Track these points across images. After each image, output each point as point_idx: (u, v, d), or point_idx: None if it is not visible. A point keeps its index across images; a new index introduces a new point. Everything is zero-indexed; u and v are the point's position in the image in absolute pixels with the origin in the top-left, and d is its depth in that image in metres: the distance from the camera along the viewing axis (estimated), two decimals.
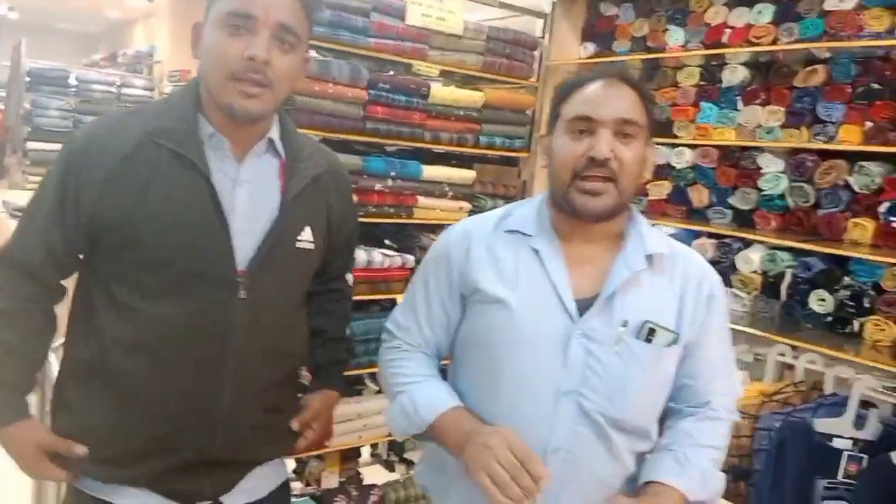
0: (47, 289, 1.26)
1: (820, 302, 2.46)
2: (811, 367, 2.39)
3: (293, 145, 1.30)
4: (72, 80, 6.29)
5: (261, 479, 1.36)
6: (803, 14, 2.49)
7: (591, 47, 3.22)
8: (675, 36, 2.88)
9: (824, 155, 2.52)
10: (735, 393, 1.33)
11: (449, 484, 1.29)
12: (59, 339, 1.33)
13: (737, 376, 1.35)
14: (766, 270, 2.64)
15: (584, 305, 1.18)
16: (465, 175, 2.49)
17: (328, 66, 2.13)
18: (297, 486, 2.48)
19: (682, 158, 2.93)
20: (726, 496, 2.15)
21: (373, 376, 2.45)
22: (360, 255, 2.25)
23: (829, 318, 2.44)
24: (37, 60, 6.24)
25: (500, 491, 1.05)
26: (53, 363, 1.48)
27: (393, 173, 2.30)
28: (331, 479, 2.49)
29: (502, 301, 1.20)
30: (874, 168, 2.38)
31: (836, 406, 2.25)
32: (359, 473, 2.64)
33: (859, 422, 2.16)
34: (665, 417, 1.30)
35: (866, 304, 2.35)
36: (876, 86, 2.37)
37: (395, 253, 2.34)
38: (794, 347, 2.45)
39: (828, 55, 2.50)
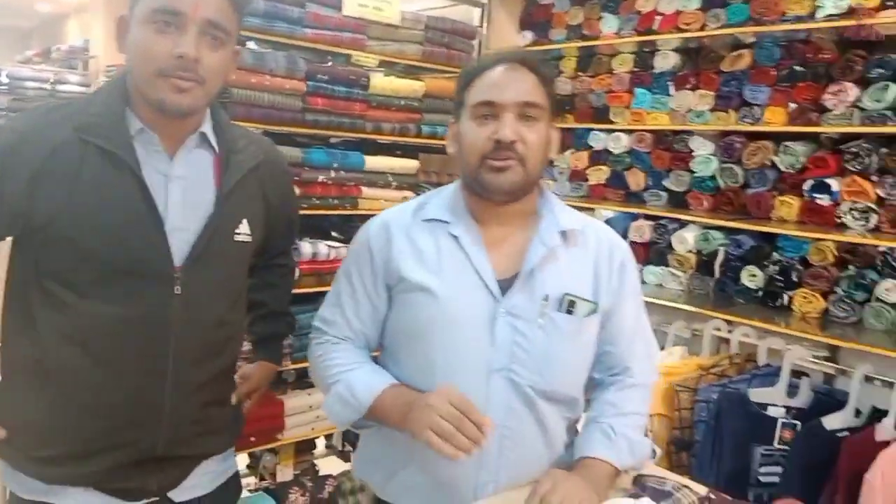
0: None
1: (751, 277, 2.56)
2: (745, 340, 2.49)
3: (227, 138, 1.29)
4: (3, 78, 6.07)
5: (208, 474, 1.37)
6: (729, 0, 2.57)
7: (528, 36, 3.27)
8: (608, 23, 2.94)
9: (751, 136, 2.60)
10: (652, 356, 1.41)
11: (391, 474, 1.31)
12: None
13: (653, 339, 1.42)
14: (701, 249, 2.73)
15: (505, 285, 1.23)
16: (409, 165, 2.51)
17: (264, 58, 2.12)
18: (251, 480, 2.48)
19: (619, 144, 2.99)
20: (670, 467, 2.23)
21: None
22: (306, 247, 2.26)
23: (760, 293, 2.53)
24: None
25: (446, 443, 1.08)
26: None
27: (335, 164, 2.31)
28: (285, 473, 2.49)
29: (427, 289, 1.23)
30: (798, 148, 2.48)
31: (770, 376, 2.35)
32: (314, 465, 2.65)
33: (791, 390, 2.27)
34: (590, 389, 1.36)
35: (794, 278, 2.45)
36: (798, 68, 2.46)
37: (342, 244, 2.35)
38: (728, 322, 2.54)
39: (753, 40, 2.58)
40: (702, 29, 2.63)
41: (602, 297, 1.29)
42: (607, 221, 2.93)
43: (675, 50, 2.85)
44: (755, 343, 2.45)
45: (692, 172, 2.78)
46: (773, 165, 2.55)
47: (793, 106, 2.46)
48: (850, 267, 2.33)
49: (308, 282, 2.23)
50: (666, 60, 2.85)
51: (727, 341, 2.55)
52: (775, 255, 2.50)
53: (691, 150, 2.77)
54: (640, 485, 1.20)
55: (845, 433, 2.12)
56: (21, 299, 1.22)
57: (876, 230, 2.28)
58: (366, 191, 2.39)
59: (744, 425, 2.27)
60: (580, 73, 3.16)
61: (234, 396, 1.44)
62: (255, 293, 1.47)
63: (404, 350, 1.28)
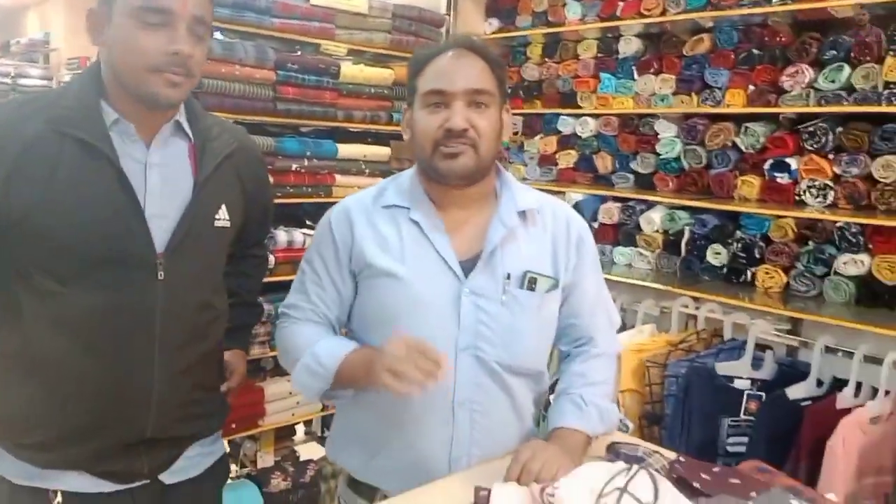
0: None
1: (716, 255, 2.63)
2: (711, 316, 2.56)
3: (201, 126, 1.32)
4: None
5: (197, 457, 1.40)
6: None
7: (494, 23, 3.30)
8: (573, 10, 2.98)
9: (713, 118, 2.67)
10: (614, 325, 1.47)
11: (364, 456, 1.33)
12: None
13: (614, 309, 1.47)
14: (667, 229, 2.79)
15: (468, 265, 1.27)
16: (381, 152, 2.54)
17: (233, 48, 2.13)
18: (232, 468, 2.50)
19: (587, 128, 3.04)
20: (641, 440, 2.30)
21: None
22: (281, 235, 2.28)
23: (725, 270, 2.60)
24: None
25: (401, 381, 1.10)
26: None
27: (308, 153, 2.33)
28: (266, 459, 2.52)
29: (393, 274, 1.26)
30: (758, 128, 2.55)
31: (735, 350, 2.42)
32: (294, 451, 2.68)
33: (756, 363, 2.34)
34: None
35: (756, 255, 2.52)
36: (756, 51, 2.52)
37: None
38: (695, 299, 2.60)
39: (712, 24, 2.64)
40: (663, 14, 2.68)
41: (561, 272, 1.33)
42: (576, 204, 2.98)
43: (638, 35, 2.90)
44: (721, 318, 2.53)
45: (657, 154, 2.84)
46: (735, 146, 2.62)
47: (752, 88, 2.52)
48: (810, 242, 2.41)
49: (283, 270, 2.25)
50: (629, 46, 2.90)
51: (694, 318, 2.62)
52: (738, 233, 2.57)
53: (656, 133, 2.83)
54: (613, 451, 1.25)
55: (808, 402, 2.20)
56: (5, 289, 1.22)
57: (833, 206, 2.36)
58: (339, 178, 2.41)
59: (711, 398, 2.34)
60: (547, 59, 3.20)
61: (224, 386, 1.48)
62: (229, 282, 1.50)
63: (372, 333, 1.30)
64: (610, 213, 2.97)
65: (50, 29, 6.57)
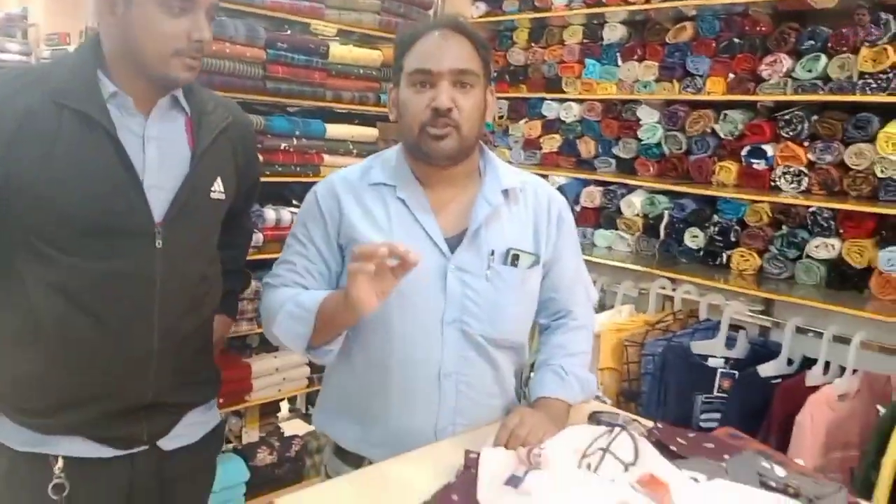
0: None
1: (693, 238, 2.70)
2: (687, 297, 2.64)
3: (197, 100, 1.35)
4: None
5: (194, 425, 1.43)
6: None
7: (482, 7, 3.33)
8: None
9: (693, 105, 2.74)
10: (591, 299, 1.52)
11: (351, 426, 1.36)
12: None
13: (590, 283, 1.53)
14: (647, 213, 2.87)
15: (453, 242, 1.31)
16: (369, 133, 2.57)
17: (224, 26, 2.14)
18: None
19: (571, 113, 3.10)
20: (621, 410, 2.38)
21: None
22: (270, 213, 2.31)
23: (702, 253, 2.68)
24: None
25: (364, 265, 1.09)
26: None
27: (297, 132, 2.35)
28: (251, 435, 2.55)
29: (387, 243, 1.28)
30: (737, 116, 2.62)
31: (710, 330, 2.51)
32: (279, 427, 2.72)
33: (730, 342, 2.43)
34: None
35: (732, 238, 2.60)
36: (737, 40, 2.59)
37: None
38: (672, 280, 2.69)
39: (694, 13, 2.70)
40: (647, 2, 2.73)
41: (542, 248, 1.37)
42: (560, 188, 3.04)
43: (623, 22, 2.95)
44: (697, 299, 2.61)
45: (639, 140, 2.90)
46: (714, 133, 2.68)
47: (731, 76, 2.59)
48: (783, 227, 2.49)
49: (272, 248, 2.28)
50: (614, 32, 2.95)
51: (671, 298, 2.70)
52: (715, 217, 2.65)
53: (638, 119, 2.89)
54: (595, 419, 1.31)
55: (778, 380, 2.30)
56: (6, 255, 1.25)
57: (807, 192, 2.44)
58: (327, 158, 2.43)
59: (686, 376, 2.42)
60: (533, 44, 3.24)
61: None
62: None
63: None
64: (592, 196, 3.03)
65: (28, 4, 6.46)
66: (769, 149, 2.52)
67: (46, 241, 1.21)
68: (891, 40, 2.24)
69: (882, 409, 2.09)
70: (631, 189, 2.95)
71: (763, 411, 2.25)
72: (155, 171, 1.26)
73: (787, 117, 2.47)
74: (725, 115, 2.64)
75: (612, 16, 2.92)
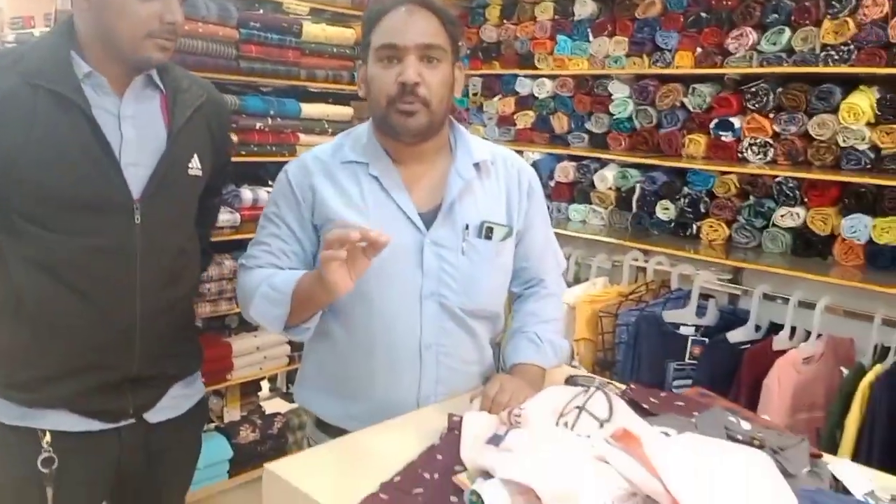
0: None
1: (664, 210, 2.76)
2: (659, 268, 2.71)
3: (170, 78, 1.37)
4: None
5: (178, 398, 1.46)
6: None
7: None
8: None
9: (663, 80, 2.78)
10: (560, 266, 1.56)
11: (332, 401, 1.38)
12: None
13: (559, 251, 1.56)
14: (619, 186, 2.92)
15: (428, 217, 1.32)
16: (343, 112, 2.58)
17: (196, 5, 2.13)
18: None
19: (544, 89, 3.13)
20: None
21: None
22: (247, 193, 2.32)
23: (673, 224, 2.74)
24: None
25: (337, 252, 1.10)
26: None
27: (272, 112, 2.35)
28: (232, 414, 2.57)
29: (358, 225, 1.26)
30: (705, 89, 2.67)
31: (681, 299, 2.59)
32: (260, 406, 2.74)
33: (700, 311, 2.50)
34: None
35: (702, 210, 2.67)
36: (704, 14, 2.63)
37: None
38: (644, 252, 2.75)
39: None
40: None
41: (514, 219, 1.40)
42: (534, 163, 3.08)
43: None
44: (668, 270, 2.68)
45: (611, 115, 2.94)
46: (683, 106, 2.74)
47: (699, 50, 2.64)
48: (751, 197, 2.56)
49: (249, 227, 2.28)
50: (584, 8, 2.97)
51: (644, 270, 2.77)
52: (685, 189, 2.71)
53: (610, 94, 2.93)
54: (571, 382, 1.36)
55: (747, 346, 2.38)
56: None
57: (773, 162, 2.51)
58: (303, 137, 2.44)
59: (659, 344, 2.49)
60: (505, 21, 3.25)
61: None
62: None
63: None
64: (566, 171, 3.07)
65: None
66: (736, 121, 2.58)
67: (28, 218, 1.23)
68: (851, 13, 2.30)
69: (846, 371, 2.18)
70: (604, 163, 2.99)
71: (732, 376, 2.33)
72: (132, 149, 1.28)
73: (752, 90, 2.53)
74: (694, 88, 2.69)
75: None
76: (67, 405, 1.31)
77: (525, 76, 3.20)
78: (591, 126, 3.01)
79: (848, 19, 2.29)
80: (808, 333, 2.28)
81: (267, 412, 2.69)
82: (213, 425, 2.53)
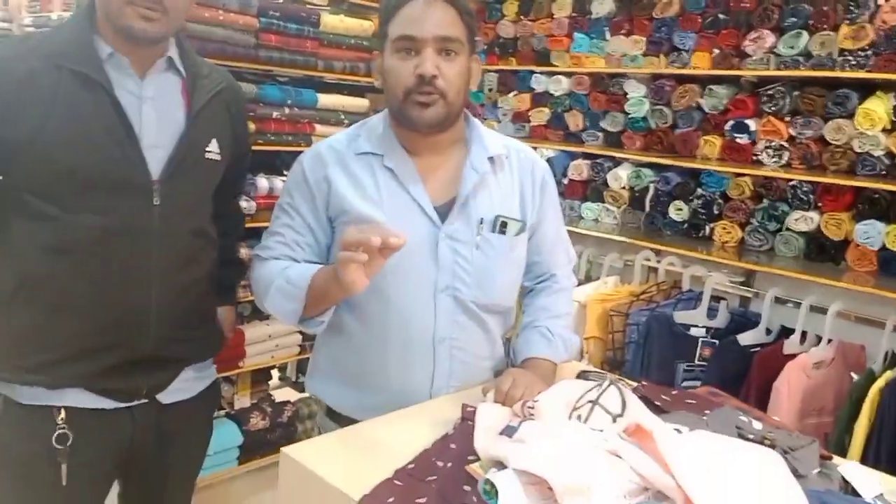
0: None
1: (678, 211, 2.77)
2: (671, 269, 2.70)
3: (191, 63, 1.38)
4: None
5: (192, 380, 1.47)
6: None
7: None
8: None
9: (679, 80, 2.78)
10: (571, 261, 1.56)
11: (345, 391, 1.39)
12: None
13: (570, 245, 1.56)
14: (633, 186, 2.92)
15: (443, 210, 1.33)
16: (359, 103, 2.58)
17: None
18: None
19: (560, 86, 3.13)
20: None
21: None
22: (263, 182, 2.32)
23: (685, 225, 2.74)
24: None
25: (351, 252, 1.09)
26: None
27: (289, 101, 2.36)
28: (243, 402, 2.59)
29: (373, 219, 1.28)
30: (721, 91, 2.67)
31: (692, 300, 2.58)
32: (270, 395, 2.76)
33: (711, 312, 2.50)
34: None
35: (715, 211, 2.67)
36: (722, 16, 2.63)
37: None
38: (656, 252, 2.75)
39: None
40: None
41: (528, 213, 1.41)
42: (548, 160, 3.08)
43: None
44: (680, 271, 2.68)
45: (626, 114, 2.94)
46: (699, 107, 2.74)
47: (716, 51, 2.63)
48: (764, 200, 2.56)
49: (264, 216, 2.28)
50: (602, 6, 2.97)
51: (656, 270, 2.77)
52: (699, 191, 2.71)
53: (625, 93, 2.93)
54: (583, 377, 1.37)
55: (757, 348, 2.37)
56: (3, 218, 1.28)
57: (787, 166, 2.51)
58: (319, 128, 2.44)
59: (669, 344, 2.50)
60: (522, 17, 3.25)
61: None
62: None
63: None
64: (579, 169, 3.07)
65: None
66: (752, 123, 2.58)
67: (46, 198, 1.25)
68: (870, 18, 2.29)
69: (856, 377, 2.18)
70: (618, 162, 2.99)
71: (741, 378, 2.33)
72: (152, 130, 1.30)
73: (769, 93, 2.52)
74: (710, 89, 2.68)
75: None
76: (83, 384, 1.32)
77: (541, 73, 3.19)
78: (606, 124, 3.01)
79: (866, 25, 2.28)
80: (819, 338, 2.27)
81: (276, 400, 2.71)
82: (223, 412, 2.54)
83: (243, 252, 2.25)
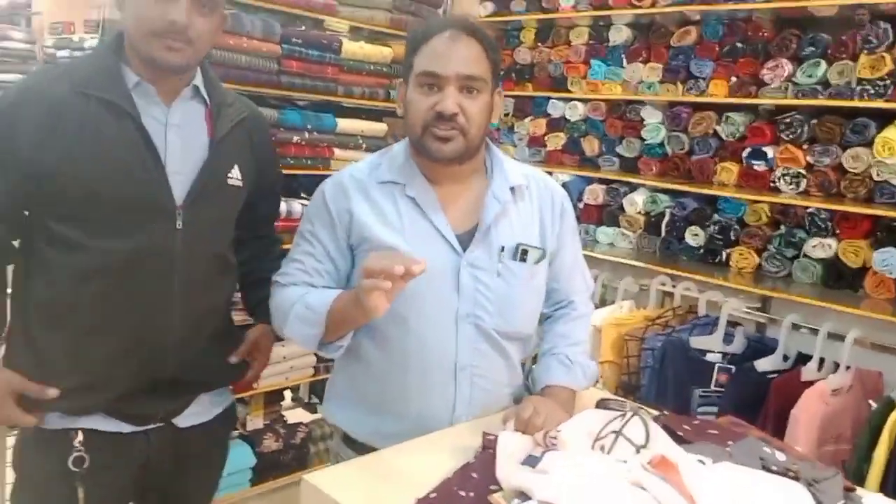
0: (2, 252, 1.33)
1: (694, 236, 2.76)
2: (687, 294, 2.69)
3: (216, 92, 1.41)
4: None
5: (208, 404, 1.49)
6: None
7: (489, 6, 3.37)
8: None
9: (696, 107, 2.79)
10: (589, 288, 1.57)
11: (364, 419, 1.39)
12: None
13: (587, 271, 1.58)
14: (649, 211, 2.92)
15: (464, 238, 1.34)
16: (377, 128, 2.61)
17: (241, 21, 2.19)
18: None
19: (576, 112, 3.14)
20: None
21: None
22: (281, 206, 2.35)
23: (702, 250, 2.74)
24: None
25: (375, 279, 1.10)
26: None
27: (309, 126, 2.40)
28: (256, 423, 2.60)
29: (395, 247, 1.29)
30: (738, 118, 2.67)
31: (708, 326, 2.56)
32: (282, 416, 2.77)
33: (728, 338, 2.47)
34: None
35: (732, 237, 2.66)
36: (740, 45, 2.64)
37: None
38: (672, 277, 2.74)
39: (699, 17, 2.75)
40: (653, 5, 2.78)
41: (548, 241, 1.42)
42: (563, 185, 3.09)
43: (628, 24, 2.99)
44: (696, 296, 2.66)
45: (643, 140, 2.95)
46: (716, 134, 2.74)
47: (734, 79, 2.64)
48: (782, 227, 2.56)
49: (283, 239, 2.32)
50: (620, 34, 2.99)
51: (671, 295, 2.75)
52: (716, 216, 2.71)
53: (642, 119, 2.94)
54: (603, 406, 1.37)
55: (774, 375, 2.35)
56: (29, 247, 1.32)
57: (805, 193, 2.50)
58: (337, 152, 2.48)
59: (684, 370, 2.48)
60: (539, 44, 3.28)
61: (233, 357, 1.53)
62: (248, 264, 1.56)
63: None
64: (595, 194, 3.08)
65: None
66: (769, 150, 2.58)
67: (73, 223, 1.27)
68: (888, 48, 2.30)
69: (874, 405, 2.16)
70: (633, 187, 3.00)
71: (758, 405, 2.31)
72: (176, 156, 1.33)
73: (787, 120, 2.53)
74: (727, 116, 2.69)
75: (617, 18, 2.97)
76: (101, 408, 1.34)
77: (557, 99, 3.21)
78: (623, 150, 3.02)
79: (885, 55, 2.29)
80: (837, 365, 2.26)
81: (289, 422, 2.71)
82: (236, 433, 2.55)
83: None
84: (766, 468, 1.12)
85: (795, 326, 2.40)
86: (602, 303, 2.88)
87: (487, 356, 1.37)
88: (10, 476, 1.44)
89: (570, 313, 1.51)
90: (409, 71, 1.32)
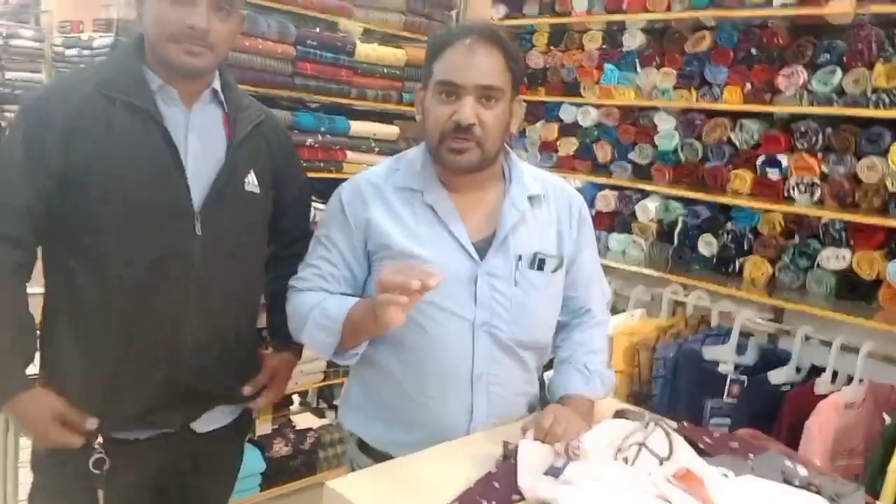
0: (29, 253, 1.32)
1: (707, 245, 2.74)
2: (699, 303, 2.68)
3: (233, 95, 1.41)
4: None
5: (225, 409, 1.49)
6: None
7: (502, 9, 3.36)
8: (580, 1, 3.04)
9: (710, 114, 2.76)
10: (606, 296, 1.56)
11: (381, 427, 1.38)
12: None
13: (604, 280, 1.57)
14: (661, 218, 2.90)
15: (481, 246, 1.33)
16: (390, 130, 2.61)
17: (257, 22, 2.19)
18: None
19: (588, 117, 3.12)
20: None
21: None
22: None
23: (714, 259, 2.71)
24: None
25: (391, 292, 1.10)
26: None
27: (322, 129, 2.39)
28: (264, 427, 2.58)
29: (412, 254, 1.29)
30: (753, 125, 2.65)
31: (721, 336, 2.54)
32: (290, 420, 2.75)
33: (740, 349, 2.45)
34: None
35: (745, 246, 2.64)
36: (755, 51, 2.62)
37: (325, 206, 2.44)
38: (684, 286, 2.72)
39: (714, 23, 2.73)
40: (667, 10, 2.76)
41: (565, 249, 1.41)
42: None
43: (642, 30, 2.97)
44: (708, 306, 2.65)
45: (655, 146, 2.92)
46: (730, 141, 2.71)
47: (748, 86, 2.62)
48: (796, 236, 2.53)
49: None
50: (633, 39, 2.97)
51: (683, 304, 2.74)
52: (729, 225, 2.68)
53: (655, 126, 2.92)
54: (621, 416, 1.35)
55: (787, 387, 2.34)
56: (56, 258, 1.32)
57: (819, 203, 2.48)
58: (350, 155, 2.48)
59: (697, 380, 2.46)
60: (552, 48, 3.26)
61: (247, 388, 1.50)
62: (273, 284, 1.54)
63: None
64: (607, 200, 3.06)
65: None
66: (784, 159, 2.56)
67: (96, 228, 1.26)
68: None
69: (888, 418, 2.14)
70: (646, 194, 2.97)
71: (770, 417, 2.29)
72: (196, 159, 1.33)
73: (802, 129, 2.51)
74: (741, 124, 2.67)
75: (631, 23, 2.95)
76: (121, 417, 1.34)
77: (570, 103, 3.19)
78: (635, 156, 3.00)
79: None
80: (851, 378, 2.24)
81: (298, 427, 2.70)
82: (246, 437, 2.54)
83: None
84: (788, 482, 1.11)
85: (809, 338, 2.38)
86: (613, 311, 2.85)
87: (504, 365, 1.36)
88: (23, 476, 1.43)
89: (588, 321, 1.50)
90: (429, 77, 1.31)
